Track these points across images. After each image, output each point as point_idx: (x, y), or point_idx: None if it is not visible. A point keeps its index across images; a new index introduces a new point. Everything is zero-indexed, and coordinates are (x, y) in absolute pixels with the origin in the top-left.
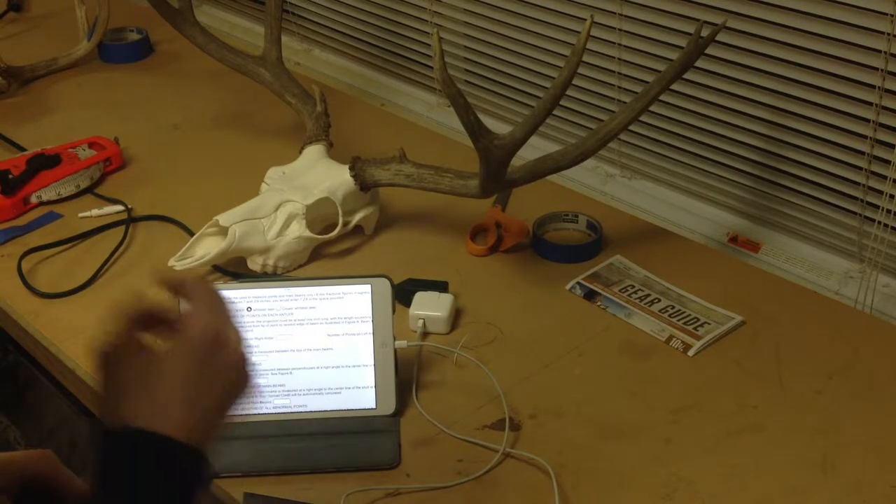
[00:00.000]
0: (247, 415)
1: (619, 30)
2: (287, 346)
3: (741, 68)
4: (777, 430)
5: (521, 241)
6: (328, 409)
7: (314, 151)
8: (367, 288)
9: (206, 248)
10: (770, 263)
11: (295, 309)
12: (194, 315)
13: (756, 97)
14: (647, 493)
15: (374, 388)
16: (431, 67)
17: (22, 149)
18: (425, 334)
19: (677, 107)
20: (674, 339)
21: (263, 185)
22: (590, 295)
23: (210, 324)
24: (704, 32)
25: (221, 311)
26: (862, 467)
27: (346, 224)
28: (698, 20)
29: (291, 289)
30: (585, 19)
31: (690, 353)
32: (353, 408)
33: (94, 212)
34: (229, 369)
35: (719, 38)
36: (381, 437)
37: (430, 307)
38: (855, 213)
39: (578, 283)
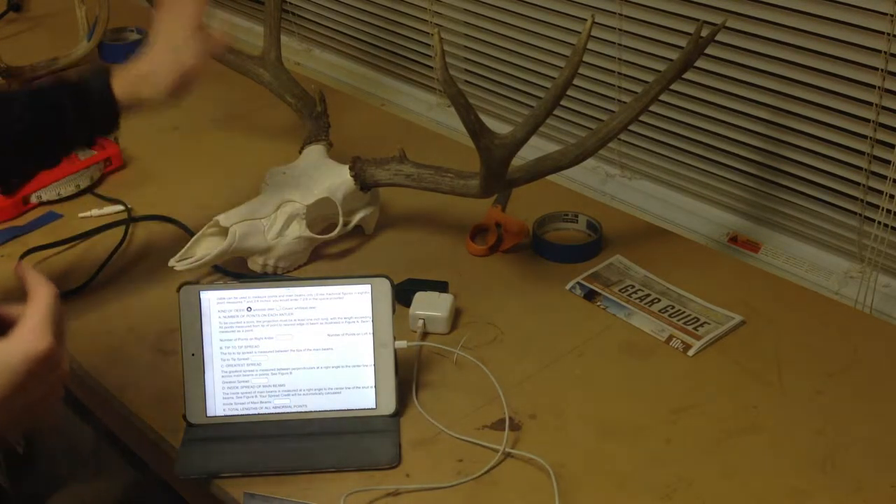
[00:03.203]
0: (247, 415)
1: (619, 30)
2: (287, 346)
3: (741, 68)
4: (777, 430)
5: (521, 241)
6: (328, 409)
7: (314, 151)
8: (367, 288)
9: (207, 248)
10: (770, 263)
11: (295, 309)
12: (31, 328)
13: (756, 97)
14: (647, 493)
15: (374, 389)
16: (431, 67)
17: None
18: (425, 334)
19: (677, 107)
20: (674, 339)
21: (263, 185)
22: (590, 295)
23: (42, 342)
24: (704, 32)
25: (58, 330)
26: (862, 467)
27: (346, 224)
28: (698, 20)
29: (291, 289)
30: (585, 19)
31: (690, 353)
32: (353, 408)
33: (94, 212)
34: (44, 391)
35: (719, 38)
36: (381, 437)
37: (430, 307)
38: (855, 213)
39: (578, 283)
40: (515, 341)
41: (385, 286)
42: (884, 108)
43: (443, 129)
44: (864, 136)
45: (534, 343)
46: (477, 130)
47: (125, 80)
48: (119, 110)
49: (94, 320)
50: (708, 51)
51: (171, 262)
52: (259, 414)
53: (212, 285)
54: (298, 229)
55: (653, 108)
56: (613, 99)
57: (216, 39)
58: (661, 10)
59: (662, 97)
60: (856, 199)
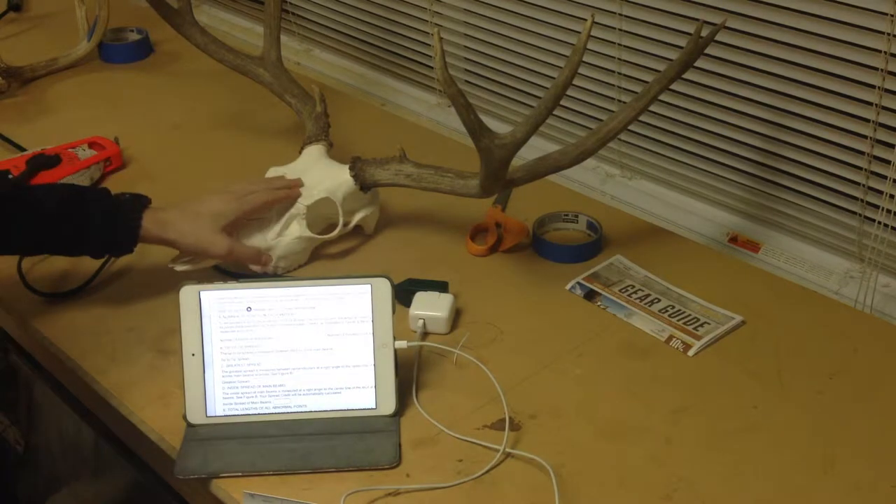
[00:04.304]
0: (247, 415)
1: (619, 30)
2: (287, 346)
3: (741, 68)
4: (777, 430)
5: (521, 241)
6: (328, 409)
7: (314, 151)
8: (367, 288)
9: None
10: (770, 263)
11: (295, 309)
12: None
13: (756, 97)
14: (647, 493)
15: (374, 388)
16: (431, 67)
17: (22, 149)
18: (425, 334)
19: (677, 107)
20: (674, 339)
21: None
22: (590, 295)
23: None
24: (704, 32)
25: None
26: (862, 467)
27: (346, 224)
28: (698, 20)
29: (291, 289)
30: (585, 19)
31: (690, 353)
32: (353, 408)
33: None
34: None
35: (719, 38)
36: (381, 437)
37: (430, 307)
38: (855, 213)
39: (578, 283)
40: (515, 341)
41: (385, 286)
42: (884, 108)
43: (443, 129)
44: (864, 136)
45: (534, 343)
46: (477, 130)
47: (154, 217)
48: (137, 239)
49: (94, 320)
50: (708, 51)
51: (171, 263)
52: (259, 414)
53: (212, 285)
54: (298, 229)
55: (653, 108)
56: (613, 99)
57: (251, 256)
58: (661, 10)
59: (662, 97)
60: (856, 199)
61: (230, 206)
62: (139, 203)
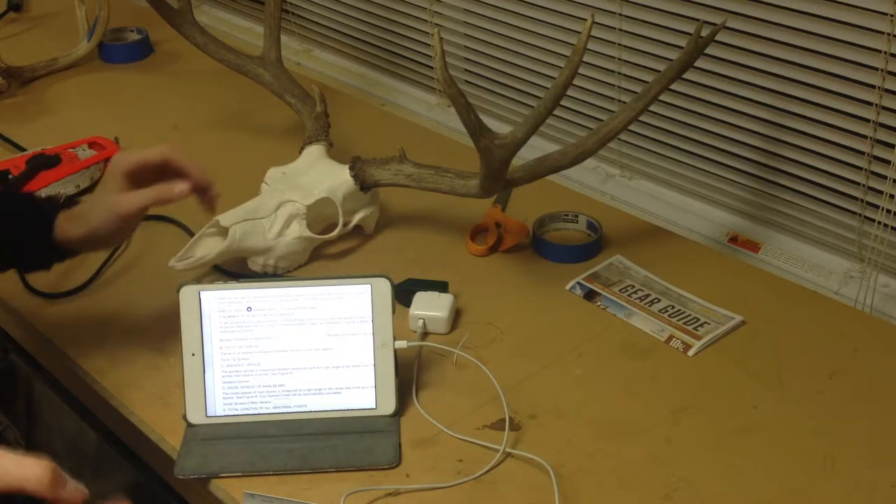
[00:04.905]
0: (247, 415)
1: (619, 30)
2: (287, 346)
3: (741, 68)
4: (777, 430)
5: (521, 241)
6: (328, 409)
7: (314, 151)
8: (367, 288)
9: (207, 248)
10: (770, 263)
11: (295, 309)
12: None
13: (756, 97)
14: (647, 493)
15: (373, 388)
16: (431, 67)
17: (22, 149)
18: (425, 334)
19: (677, 107)
20: (674, 339)
21: (263, 185)
22: (590, 295)
23: None
24: (704, 32)
25: None
26: (862, 467)
27: (346, 224)
28: (698, 20)
29: (291, 289)
30: (585, 19)
31: (690, 353)
32: (353, 408)
33: None
34: None
35: (719, 38)
36: (381, 437)
37: (430, 307)
38: (855, 213)
39: (578, 283)
40: (515, 341)
41: (385, 286)
42: (884, 108)
43: (443, 129)
44: (864, 136)
45: (534, 343)
46: (477, 130)
47: (68, 215)
48: (54, 245)
49: (94, 320)
50: (708, 51)
51: (171, 262)
52: (259, 414)
53: (212, 285)
54: (298, 229)
55: (653, 108)
56: (613, 99)
57: (153, 196)
58: (661, 10)
59: (662, 97)
60: (856, 199)
61: (115, 162)
62: (56, 206)
